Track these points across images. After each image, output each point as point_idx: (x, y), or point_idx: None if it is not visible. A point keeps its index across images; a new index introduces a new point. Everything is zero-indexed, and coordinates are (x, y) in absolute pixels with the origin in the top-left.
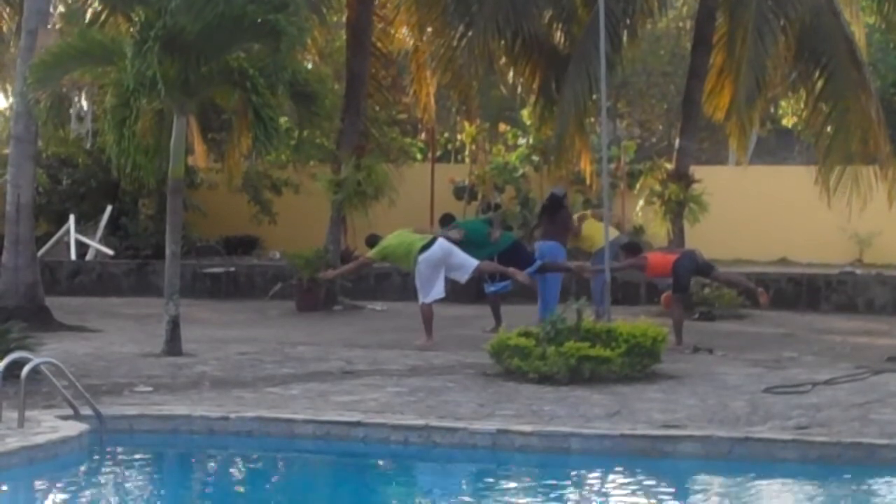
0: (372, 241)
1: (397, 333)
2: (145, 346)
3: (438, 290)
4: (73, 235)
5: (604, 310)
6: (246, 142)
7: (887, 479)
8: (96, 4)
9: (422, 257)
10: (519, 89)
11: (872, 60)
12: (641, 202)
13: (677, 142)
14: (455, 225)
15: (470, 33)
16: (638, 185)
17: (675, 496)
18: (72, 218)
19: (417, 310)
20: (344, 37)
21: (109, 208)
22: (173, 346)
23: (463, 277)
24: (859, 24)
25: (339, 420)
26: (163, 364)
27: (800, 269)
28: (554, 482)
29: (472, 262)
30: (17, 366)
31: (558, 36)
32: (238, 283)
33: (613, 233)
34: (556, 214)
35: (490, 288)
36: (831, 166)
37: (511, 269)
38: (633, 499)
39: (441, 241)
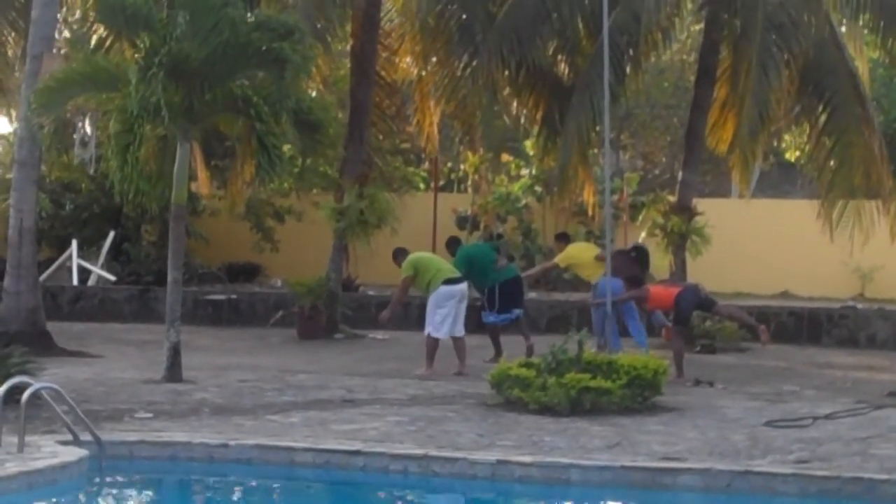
0: (400, 254)
1: (398, 362)
2: (146, 373)
3: (444, 331)
4: (75, 261)
5: (605, 341)
6: (249, 169)
7: None
8: (101, 30)
9: (444, 288)
10: (522, 120)
11: (876, 95)
12: (644, 234)
13: (680, 174)
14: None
15: (474, 63)
16: (640, 217)
17: None
18: (74, 243)
19: (418, 339)
20: (348, 65)
21: (112, 234)
22: (174, 372)
23: (454, 331)
24: (863, 59)
25: (338, 449)
26: (163, 390)
27: (801, 303)
28: None
29: (462, 329)
30: (17, 390)
31: (562, 67)
32: (239, 311)
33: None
34: (630, 261)
35: (489, 318)
36: (834, 200)
37: (463, 370)
38: None
39: (465, 286)
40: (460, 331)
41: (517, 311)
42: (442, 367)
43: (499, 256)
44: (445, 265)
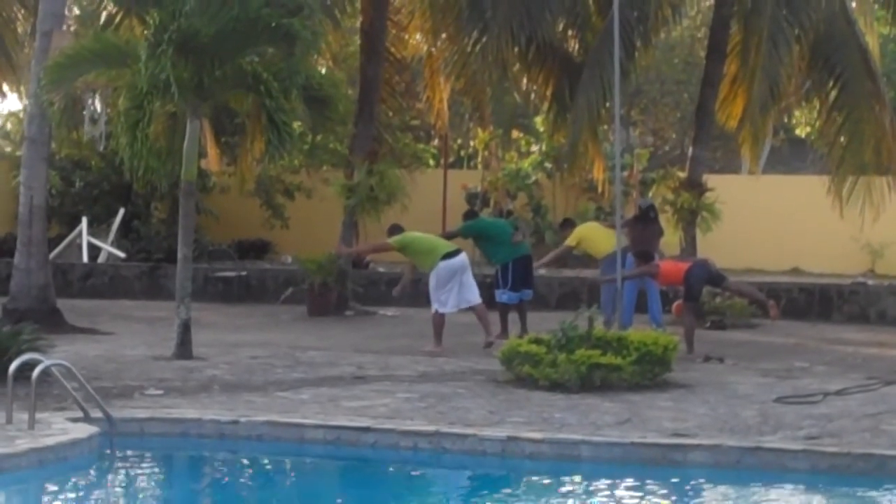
0: (394, 230)
1: (408, 339)
2: (156, 350)
3: (452, 304)
4: (85, 238)
5: (614, 318)
6: (259, 146)
7: None
8: (111, 7)
9: (444, 263)
10: (532, 96)
11: (886, 71)
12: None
13: (690, 150)
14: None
15: (484, 39)
16: (650, 194)
17: None
18: (84, 220)
19: (429, 316)
20: (358, 42)
21: (122, 211)
22: (184, 349)
23: (467, 300)
24: (874, 34)
25: (349, 425)
26: (173, 367)
27: (812, 279)
28: (563, 490)
29: (476, 297)
30: (28, 367)
31: (572, 43)
32: (249, 288)
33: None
34: (649, 225)
35: (503, 297)
36: (844, 176)
37: (491, 338)
38: None
39: (464, 256)
40: (475, 298)
41: (528, 292)
42: (451, 344)
43: (516, 232)
44: (440, 241)
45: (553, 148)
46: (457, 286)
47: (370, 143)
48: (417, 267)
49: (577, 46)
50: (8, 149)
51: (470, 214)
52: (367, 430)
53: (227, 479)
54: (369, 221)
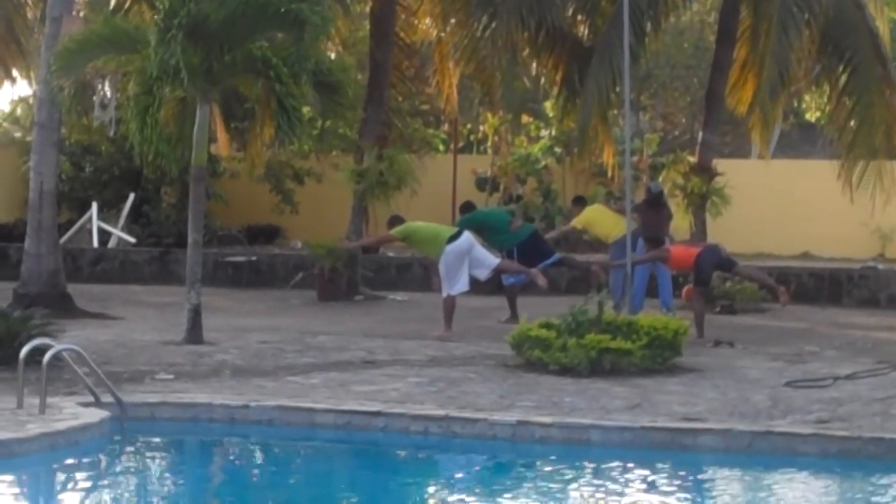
0: (394, 221)
1: (418, 324)
2: (167, 334)
3: (463, 284)
4: (95, 223)
5: (623, 303)
6: (269, 131)
7: None
8: None
9: (450, 247)
10: (542, 81)
11: None
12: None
13: (700, 135)
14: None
15: (493, 24)
16: (660, 178)
17: (695, 489)
18: (94, 205)
19: (439, 300)
20: (367, 27)
21: (132, 196)
22: (194, 334)
23: (483, 274)
24: (884, 19)
25: (359, 410)
26: (184, 352)
27: (822, 264)
28: (573, 474)
29: (493, 260)
30: (38, 352)
31: (582, 28)
32: (259, 273)
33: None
34: (661, 210)
35: (509, 279)
36: (854, 161)
37: (532, 271)
38: (653, 491)
39: (468, 234)
40: (493, 261)
41: (554, 257)
42: (461, 328)
43: (513, 218)
44: (442, 227)
45: (563, 133)
46: (466, 265)
47: (380, 128)
48: (424, 255)
49: (586, 31)
50: (18, 134)
51: (466, 207)
52: (377, 414)
53: (237, 463)
54: (379, 206)
